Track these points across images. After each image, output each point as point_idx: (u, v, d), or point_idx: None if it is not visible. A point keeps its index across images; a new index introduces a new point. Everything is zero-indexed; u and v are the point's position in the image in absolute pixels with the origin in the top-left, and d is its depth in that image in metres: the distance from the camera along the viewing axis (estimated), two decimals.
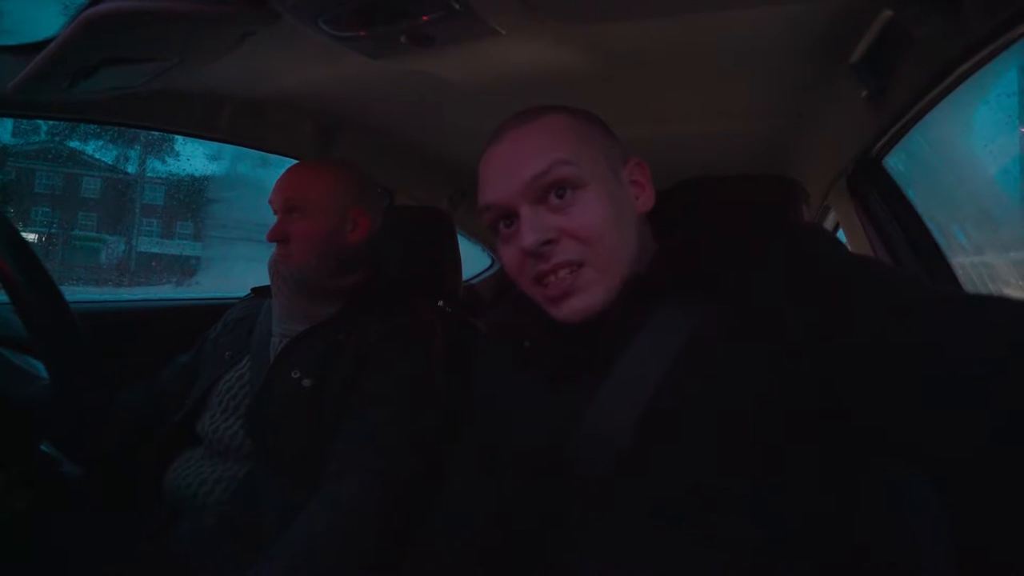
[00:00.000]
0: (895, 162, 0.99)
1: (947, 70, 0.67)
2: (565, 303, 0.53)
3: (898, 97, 0.78)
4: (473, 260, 2.02)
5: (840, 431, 0.44)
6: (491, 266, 2.06)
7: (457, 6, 0.65)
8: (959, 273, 0.90)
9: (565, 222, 0.52)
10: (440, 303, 1.15)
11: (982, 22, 0.59)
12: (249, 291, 1.02)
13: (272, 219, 0.90)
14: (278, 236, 0.86)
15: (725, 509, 0.45)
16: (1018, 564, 0.47)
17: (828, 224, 1.32)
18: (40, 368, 0.72)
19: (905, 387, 0.39)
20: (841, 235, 1.17)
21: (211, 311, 1.04)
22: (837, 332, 0.44)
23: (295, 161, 0.97)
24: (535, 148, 0.54)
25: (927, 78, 0.70)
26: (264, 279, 0.95)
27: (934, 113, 0.79)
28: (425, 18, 0.67)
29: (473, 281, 1.98)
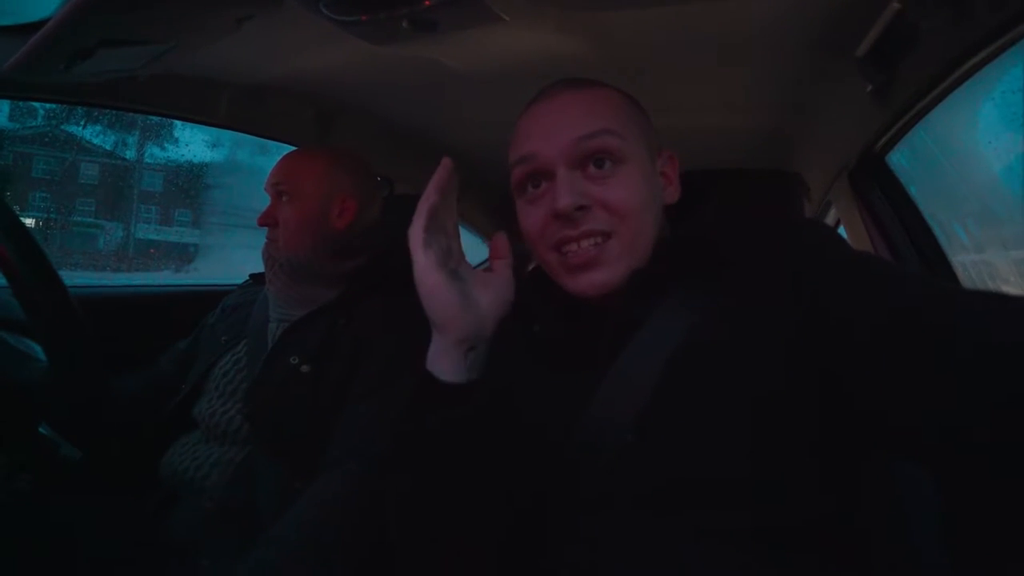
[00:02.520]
0: (898, 158, 0.99)
1: (953, 65, 0.66)
2: (585, 275, 0.52)
3: (903, 92, 0.77)
4: (473, 253, 2.01)
5: (841, 423, 0.45)
6: None
7: None
8: (959, 271, 0.90)
9: (601, 192, 0.51)
10: None
11: (989, 17, 0.59)
12: (247, 277, 1.02)
13: None
14: (267, 221, 0.87)
15: (726, 499, 0.45)
16: (1015, 558, 0.48)
17: (829, 220, 1.32)
18: (39, 351, 0.72)
19: (905, 380, 0.39)
20: (842, 231, 1.17)
21: (209, 297, 1.04)
22: (838, 324, 0.44)
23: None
24: (586, 112, 0.53)
25: (933, 73, 0.70)
26: (261, 265, 0.95)
27: (939, 109, 0.78)
28: (427, 3, 0.66)
29: None
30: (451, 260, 0.55)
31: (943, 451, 0.39)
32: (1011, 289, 0.89)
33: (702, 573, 0.45)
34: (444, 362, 0.53)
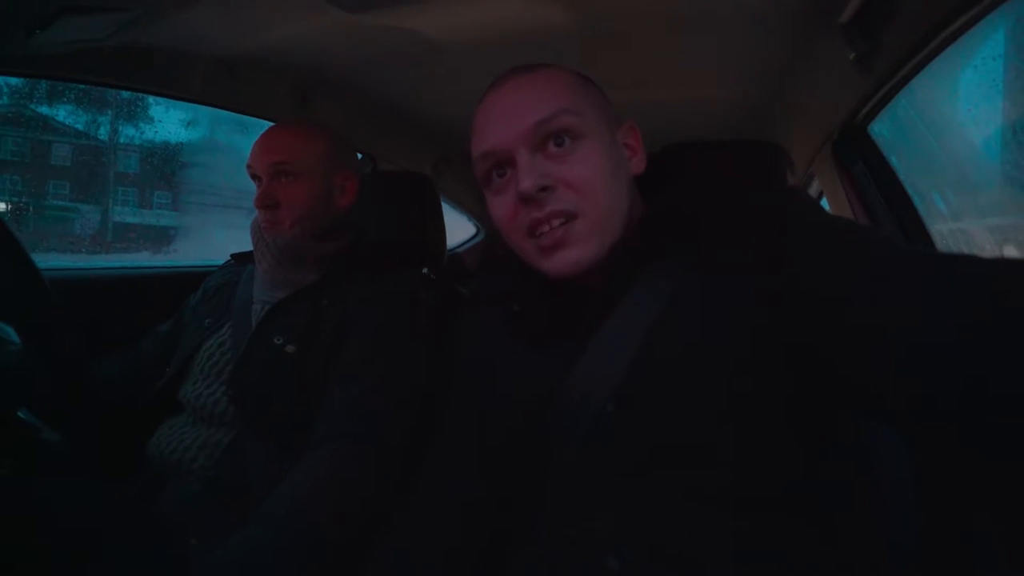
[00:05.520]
0: (880, 128, 0.99)
1: (936, 30, 0.66)
2: (557, 254, 0.52)
3: (886, 59, 0.77)
4: (458, 229, 2.00)
5: (816, 388, 0.45)
6: (476, 235, 2.05)
7: None
8: (937, 240, 0.92)
9: (563, 171, 0.52)
10: (424, 270, 1.14)
11: None
12: (228, 257, 1.00)
13: (251, 185, 0.88)
14: (267, 201, 0.83)
15: (706, 465, 0.46)
16: (980, 515, 0.49)
17: (812, 191, 1.33)
18: (12, 334, 0.71)
19: (880, 347, 0.40)
20: (824, 203, 1.17)
21: (190, 278, 1.02)
22: (814, 291, 0.44)
23: (271, 124, 0.94)
24: (539, 95, 0.53)
25: (916, 39, 0.69)
26: (243, 245, 0.93)
27: (921, 77, 0.78)
28: None
29: (458, 249, 1.97)
30: None
31: (917, 416, 0.40)
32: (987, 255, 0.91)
33: (685, 536, 0.46)
34: None
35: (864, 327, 0.41)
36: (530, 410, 0.55)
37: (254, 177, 0.86)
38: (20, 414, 0.68)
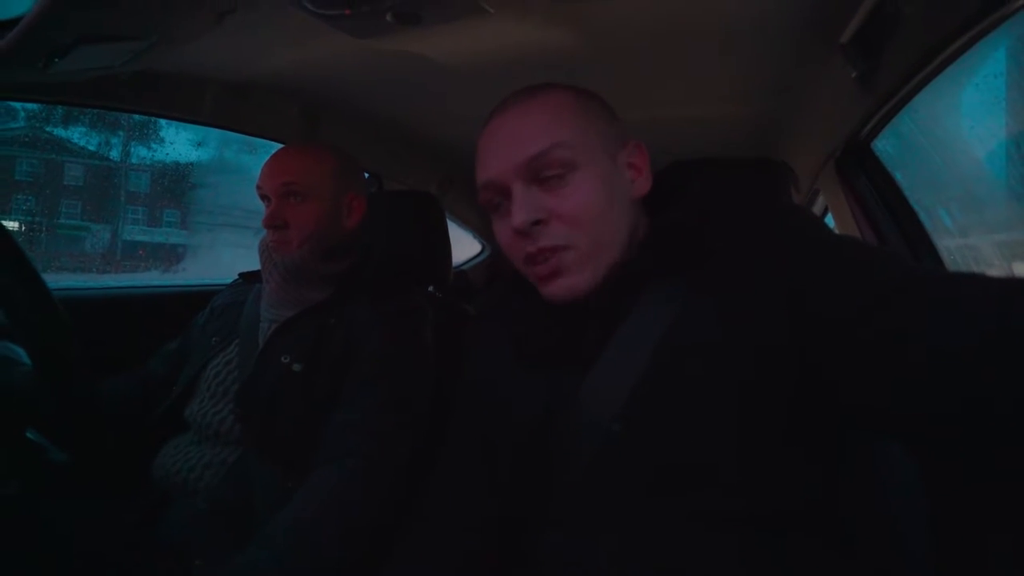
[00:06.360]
0: (884, 145, 0.99)
1: (937, 50, 0.66)
2: (553, 282, 0.53)
3: (888, 78, 0.78)
4: (464, 246, 2.01)
5: (822, 407, 0.45)
6: (481, 252, 2.06)
7: None
8: (944, 256, 0.91)
9: (556, 203, 0.52)
10: (430, 288, 1.14)
11: (971, 1, 0.59)
12: (236, 276, 1.01)
13: (259, 204, 0.89)
14: (276, 222, 0.84)
15: (713, 484, 0.46)
16: (993, 534, 0.48)
17: (817, 208, 1.33)
18: (22, 355, 0.71)
19: (886, 367, 0.40)
20: (830, 220, 1.17)
21: (198, 297, 1.03)
22: (819, 311, 0.44)
23: (280, 146, 0.95)
24: (534, 128, 0.53)
25: (917, 58, 0.70)
26: (251, 264, 0.94)
27: (923, 94, 0.79)
28: None
29: (464, 267, 1.98)
30: None
31: (923, 435, 0.40)
32: (995, 273, 0.90)
33: (692, 557, 0.45)
34: None
35: (870, 347, 0.41)
36: (535, 430, 0.55)
37: (263, 197, 0.87)
38: (28, 434, 0.68)
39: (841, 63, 0.81)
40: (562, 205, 0.52)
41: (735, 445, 0.46)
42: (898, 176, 0.98)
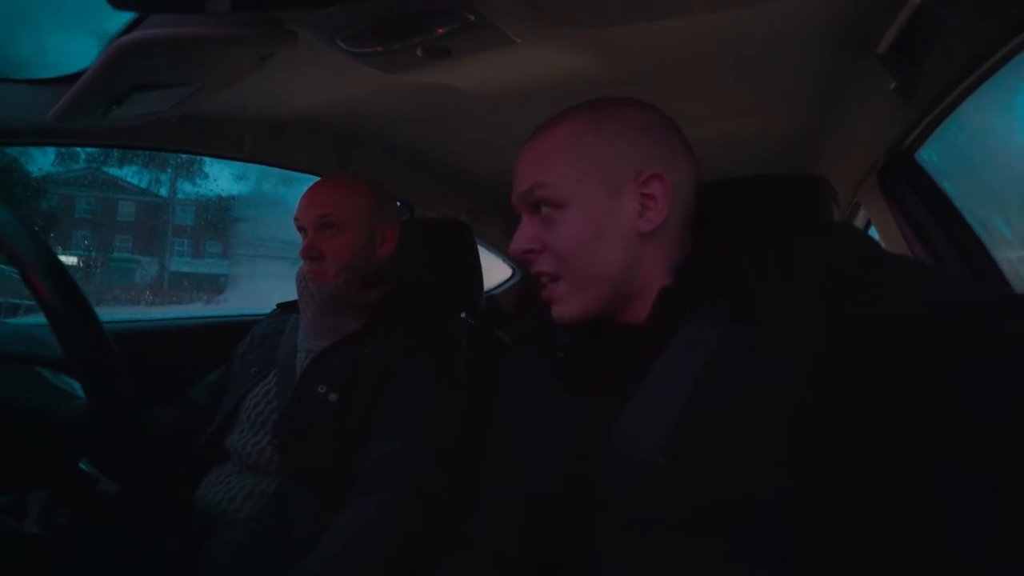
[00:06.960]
0: (929, 155, 0.95)
1: (982, 56, 0.64)
2: (552, 308, 0.57)
3: (929, 87, 0.75)
4: (495, 271, 2.02)
5: (882, 436, 0.43)
6: (512, 276, 2.06)
7: (472, 17, 0.65)
8: (1005, 268, 0.86)
9: (548, 236, 0.56)
10: (463, 315, 1.15)
11: (1013, 6, 0.56)
12: (275, 307, 1.04)
13: (296, 236, 0.92)
14: (313, 253, 0.87)
15: (762, 520, 0.44)
16: None
17: (858, 222, 1.28)
18: (77, 388, 0.74)
19: (950, 394, 0.38)
20: (873, 232, 1.13)
21: (239, 327, 1.06)
22: (877, 337, 0.42)
23: (316, 178, 0.99)
24: (530, 164, 0.57)
25: (960, 66, 0.67)
26: (289, 294, 0.97)
27: (970, 101, 0.75)
28: (440, 31, 0.68)
29: (495, 292, 1.98)
30: None
31: (994, 465, 0.37)
32: None
33: None
34: None
35: (937, 373, 0.38)
36: (575, 460, 0.53)
37: (300, 229, 0.90)
38: (81, 464, 0.71)
39: (879, 73, 0.79)
40: (552, 239, 0.55)
41: (786, 479, 0.44)
42: (947, 186, 0.93)
